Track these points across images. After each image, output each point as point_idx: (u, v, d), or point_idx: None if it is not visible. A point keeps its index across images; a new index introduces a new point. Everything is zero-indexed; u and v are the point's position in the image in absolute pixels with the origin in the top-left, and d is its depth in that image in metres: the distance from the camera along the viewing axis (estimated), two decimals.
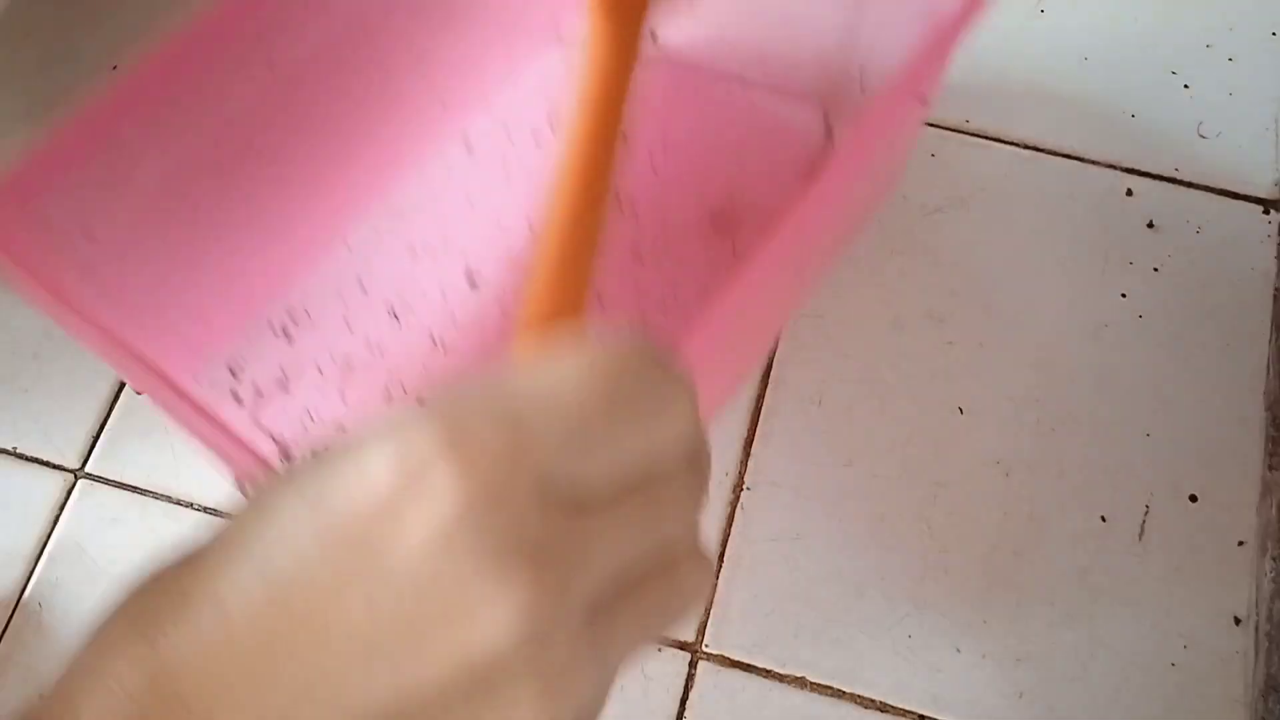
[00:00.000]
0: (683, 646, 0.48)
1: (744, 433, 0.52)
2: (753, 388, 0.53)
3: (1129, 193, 0.57)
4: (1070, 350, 0.53)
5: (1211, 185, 0.57)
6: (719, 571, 0.49)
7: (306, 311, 0.51)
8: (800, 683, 0.47)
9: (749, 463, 0.51)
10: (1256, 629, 0.47)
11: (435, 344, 0.51)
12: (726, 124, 0.56)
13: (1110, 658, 0.47)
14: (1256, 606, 0.48)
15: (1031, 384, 0.52)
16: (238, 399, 0.49)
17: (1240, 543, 0.49)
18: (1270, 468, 0.50)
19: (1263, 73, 0.60)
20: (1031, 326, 0.54)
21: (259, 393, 0.49)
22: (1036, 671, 0.47)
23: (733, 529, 0.50)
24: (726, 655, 0.48)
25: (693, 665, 0.47)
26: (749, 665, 0.47)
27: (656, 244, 0.53)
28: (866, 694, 0.47)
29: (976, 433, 0.51)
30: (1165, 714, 0.46)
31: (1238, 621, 0.48)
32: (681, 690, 0.47)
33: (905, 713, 0.46)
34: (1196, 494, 0.50)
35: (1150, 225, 0.56)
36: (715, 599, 0.49)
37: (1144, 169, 0.57)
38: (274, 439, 0.48)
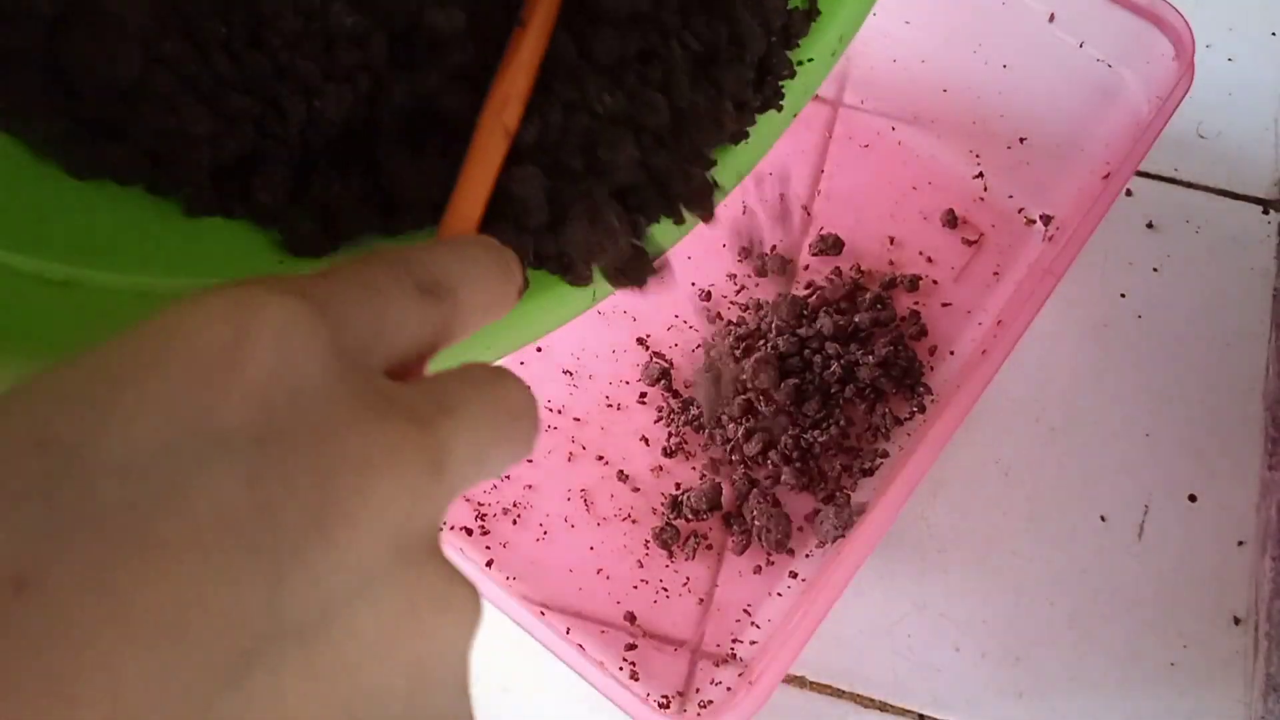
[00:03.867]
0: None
1: None
2: None
3: (1128, 193, 0.57)
4: (1070, 350, 0.53)
5: (1211, 185, 0.57)
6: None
7: None
8: (800, 682, 0.47)
9: None
10: (1256, 629, 0.47)
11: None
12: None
13: (1110, 657, 0.47)
14: (1256, 606, 0.48)
15: (1032, 384, 0.52)
16: None
17: (1240, 543, 0.49)
18: (1270, 468, 0.50)
19: (1263, 73, 0.60)
20: (1031, 326, 0.54)
21: None
22: (1036, 671, 0.47)
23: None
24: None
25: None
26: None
27: None
28: (866, 694, 0.47)
29: (976, 433, 0.51)
30: (1165, 714, 0.46)
31: (1238, 621, 0.48)
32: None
33: (905, 712, 0.46)
34: (1196, 494, 0.50)
35: (1150, 225, 0.56)
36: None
37: (1144, 169, 0.57)
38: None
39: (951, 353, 0.51)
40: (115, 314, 0.21)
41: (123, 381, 0.13)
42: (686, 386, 0.51)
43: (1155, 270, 0.55)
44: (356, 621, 0.14)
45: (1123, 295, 0.54)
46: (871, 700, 0.47)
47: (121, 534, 0.12)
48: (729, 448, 0.49)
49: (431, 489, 0.15)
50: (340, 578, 0.14)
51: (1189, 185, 0.57)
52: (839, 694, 0.47)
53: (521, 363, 0.53)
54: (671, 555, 0.48)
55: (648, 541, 0.48)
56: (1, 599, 0.11)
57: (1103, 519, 0.50)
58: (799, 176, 0.56)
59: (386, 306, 0.16)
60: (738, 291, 0.53)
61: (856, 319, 0.50)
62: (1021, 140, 0.54)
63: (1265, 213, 0.56)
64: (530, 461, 0.50)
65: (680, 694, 0.44)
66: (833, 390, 0.49)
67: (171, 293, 0.21)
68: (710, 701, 0.43)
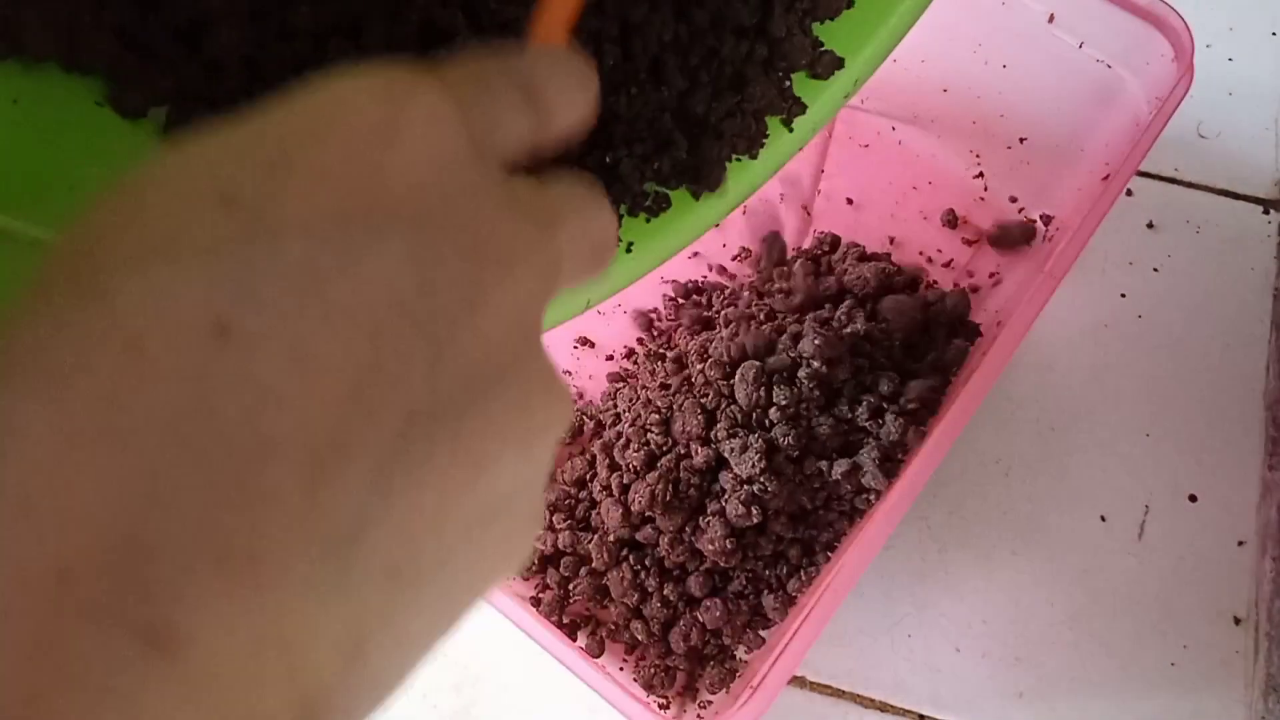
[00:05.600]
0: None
1: None
2: None
3: (1129, 193, 0.57)
4: (1070, 350, 0.53)
5: (1211, 185, 0.57)
6: None
7: None
8: (800, 682, 0.47)
9: None
10: (1256, 629, 0.47)
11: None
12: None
13: (1110, 658, 0.47)
14: (1256, 606, 0.48)
15: (1031, 384, 0.52)
16: None
17: (1240, 543, 0.49)
18: (1270, 468, 0.50)
19: (1263, 73, 0.60)
20: (1031, 326, 0.54)
21: None
22: (1036, 671, 0.47)
23: None
24: None
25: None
26: None
27: None
28: (866, 694, 0.47)
29: (976, 432, 0.51)
30: (1165, 714, 0.46)
31: (1238, 621, 0.48)
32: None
33: (905, 712, 0.47)
34: (1196, 494, 0.50)
35: (1150, 225, 0.56)
36: None
37: (1144, 169, 0.57)
38: None
39: None
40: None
41: (295, 149, 0.14)
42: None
43: (1155, 270, 0.55)
44: (490, 405, 0.15)
45: (1123, 295, 0.54)
46: (871, 700, 0.47)
47: (306, 293, 0.13)
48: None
49: (550, 288, 0.16)
50: (484, 361, 0.15)
51: (1189, 185, 0.57)
52: (839, 694, 0.47)
53: None
54: None
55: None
56: (205, 343, 0.12)
57: (1103, 519, 0.50)
58: (799, 177, 0.56)
59: (502, 107, 0.17)
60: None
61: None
62: (1022, 140, 0.54)
63: (1265, 213, 0.56)
64: None
65: (680, 695, 0.44)
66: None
67: None
68: (709, 702, 0.43)
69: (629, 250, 0.30)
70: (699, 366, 0.47)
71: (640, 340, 0.53)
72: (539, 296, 0.16)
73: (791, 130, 0.32)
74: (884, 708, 0.47)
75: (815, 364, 0.44)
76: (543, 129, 0.18)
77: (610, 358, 0.53)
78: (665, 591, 0.45)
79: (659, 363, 0.50)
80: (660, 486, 0.44)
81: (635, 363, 0.52)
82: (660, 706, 0.43)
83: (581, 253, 0.18)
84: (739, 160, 0.32)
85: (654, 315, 0.54)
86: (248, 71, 0.23)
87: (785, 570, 0.45)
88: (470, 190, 0.15)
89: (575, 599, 0.46)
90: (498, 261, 0.15)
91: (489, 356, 0.15)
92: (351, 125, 0.14)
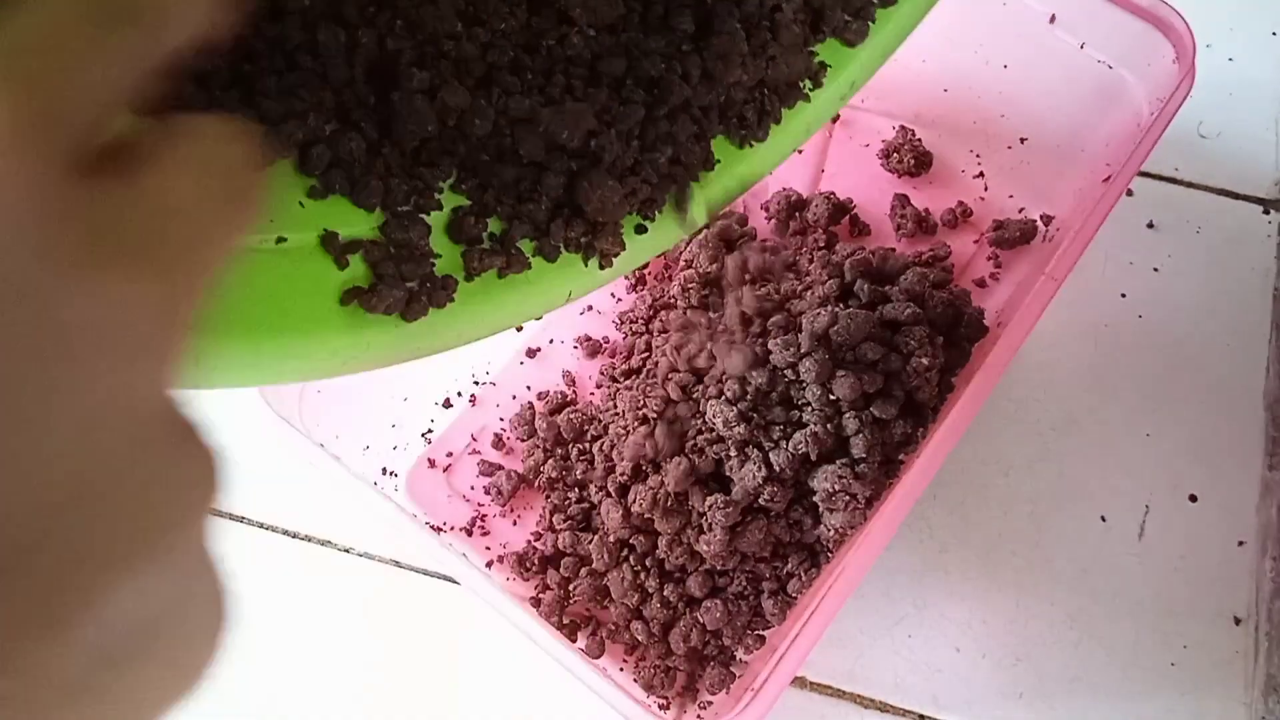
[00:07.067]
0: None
1: None
2: None
3: (1129, 193, 0.57)
4: (1070, 350, 0.53)
5: (1211, 185, 0.57)
6: None
7: None
8: (800, 682, 0.47)
9: None
10: (1256, 629, 0.47)
11: None
12: None
13: (1110, 658, 0.47)
14: (1256, 606, 0.48)
15: (1032, 384, 0.52)
16: None
17: (1240, 543, 0.49)
18: (1270, 468, 0.50)
19: (1263, 73, 0.60)
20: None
21: None
22: (1036, 671, 0.47)
23: None
24: None
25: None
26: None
27: None
28: (866, 694, 0.47)
29: (977, 433, 0.51)
30: (1165, 714, 0.46)
31: (1238, 621, 0.48)
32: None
33: (905, 713, 0.47)
34: (1196, 494, 0.50)
35: (1150, 225, 0.56)
36: None
37: (1144, 169, 0.57)
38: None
39: None
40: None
41: None
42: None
43: (1155, 270, 0.55)
44: (72, 537, 0.12)
45: (1123, 295, 0.54)
46: (871, 700, 0.47)
47: None
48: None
49: (163, 348, 0.13)
50: (52, 485, 0.12)
51: (1189, 185, 0.57)
52: (839, 694, 0.47)
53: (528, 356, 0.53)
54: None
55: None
56: None
57: (1103, 519, 0.50)
58: (799, 177, 0.56)
59: (84, 66, 0.13)
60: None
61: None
62: (1022, 140, 0.54)
63: (1266, 213, 0.56)
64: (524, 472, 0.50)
65: (680, 696, 0.44)
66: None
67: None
68: (709, 703, 0.43)
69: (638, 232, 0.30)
70: (701, 368, 0.47)
71: (644, 341, 0.53)
72: (155, 361, 0.13)
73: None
74: (884, 708, 0.47)
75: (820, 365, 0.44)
76: (153, 46, 0.14)
77: (611, 356, 0.53)
78: (665, 592, 0.45)
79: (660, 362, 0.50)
80: (660, 490, 0.44)
81: (636, 363, 0.52)
82: (660, 707, 0.43)
83: (217, 235, 0.14)
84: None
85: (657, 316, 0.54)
86: None
87: (785, 572, 0.45)
88: (36, 253, 0.11)
89: (575, 600, 0.46)
90: (74, 350, 0.12)
91: (60, 481, 0.12)
92: None
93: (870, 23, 0.33)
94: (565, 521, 0.47)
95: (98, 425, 0.12)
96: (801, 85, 0.32)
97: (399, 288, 0.24)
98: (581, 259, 0.28)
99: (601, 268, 0.29)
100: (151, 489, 0.13)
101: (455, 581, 0.41)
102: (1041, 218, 0.52)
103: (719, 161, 0.31)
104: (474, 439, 0.52)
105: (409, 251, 0.24)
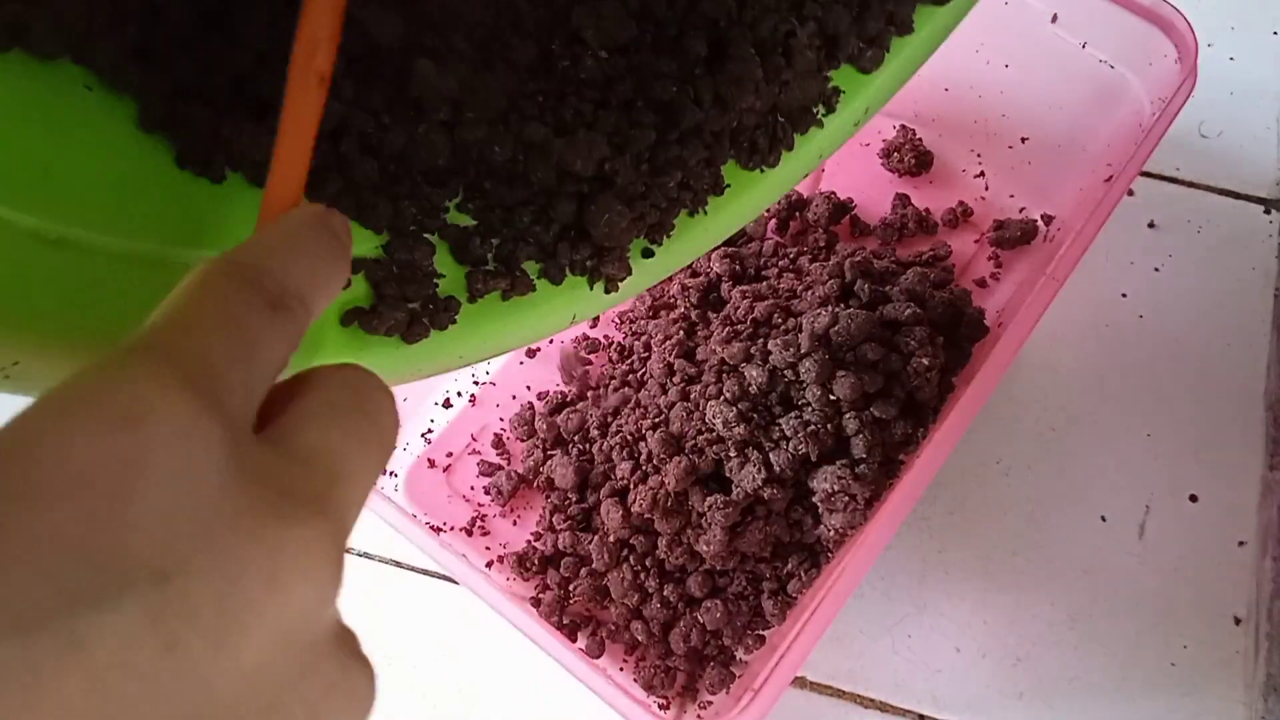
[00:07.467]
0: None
1: None
2: None
3: (1130, 192, 0.56)
4: (1070, 350, 0.53)
5: (1212, 185, 0.57)
6: None
7: None
8: (800, 682, 0.47)
9: None
10: (1256, 629, 0.47)
11: None
12: None
13: (1110, 658, 0.47)
14: (1256, 606, 0.48)
15: (1032, 384, 0.52)
16: None
17: (1240, 543, 0.49)
18: (1270, 468, 0.50)
19: (1264, 72, 0.60)
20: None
21: None
22: (1036, 671, 0.47)
23: None
24: None
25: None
26: None
27: None
28: (866, 694, 0.47)
29: (977, 433, 0.51)
30: (1165, 714, 0.46)
31: (1238, 621, 0.48)
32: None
33: (905, 713, 0.47)
34: (1196, 494, 0.50)
35: (1151, 225, 0.56)
36: None
37: (1145, 168, 0.57)
38: None
39: None
40: (108, 279, 0.20)
41: (8, 515, 0.12)
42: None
43: (1156, 270, 0.55)
44: None
45: (1123, 295, 0.54)
46: (871, 700, 0.47)
47: (29, 694, 0.11)
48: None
49: (336, 578, 0.15)
50: (251, 700, 0.13)
51: (1190, 185, 0.57)
52: (839, 694, 0.47)
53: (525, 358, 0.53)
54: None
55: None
56: None
57: (1103, 519, 0.50)
58: None
59: (253, 347, 0.15)
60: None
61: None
62: (1023, 140, 0.54)
63: (1267, 212, 0.56)
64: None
65: (680, 695, 0.44)
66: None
67: (159, 258, 0.21)
68: (709, 703, 0.43)
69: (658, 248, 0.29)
70: (701, 368, 0.47)
71: (645, 342, 0.53)
72: (326, 594, 0.15)
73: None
74: (884, 708, 0.47)
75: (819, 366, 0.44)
76: (301, 328, 0.16)
77: (611, 359, 0.53)
78: (665, 592, 0.45)
79: (662, 363, 0.50)
80: (660, 490, 0.43)
81: (636, 364, 0.52)
82: (660, 707, 0.43)
83: (371, 479, 0.17)
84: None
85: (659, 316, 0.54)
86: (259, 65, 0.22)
87: (785, 572, 0.45)
88: (229, 513, 0.13)
89: (575, 600, 0.46)
90: (263, 587, 0.13)
91: (255, 690, 0.13)
92: (79, 476, 0.12)
93: (885, 51, 0.32)
94: (565, 521, 0.47)
95: (291, 640, 0.14)
96: (815, 110, 0.31)
97: (401, 309, 0.24)
98: (587, 282, 0.28)
99: (607, 291, 0.28)
100: (329, 697, 0.15)
101: (455, 581, 0.41)
102: (1042, 217, 0.52)
103: (729, 186, 0.30)
104: (474, 439, 0.52)
105: (412, 271, 0.24)
